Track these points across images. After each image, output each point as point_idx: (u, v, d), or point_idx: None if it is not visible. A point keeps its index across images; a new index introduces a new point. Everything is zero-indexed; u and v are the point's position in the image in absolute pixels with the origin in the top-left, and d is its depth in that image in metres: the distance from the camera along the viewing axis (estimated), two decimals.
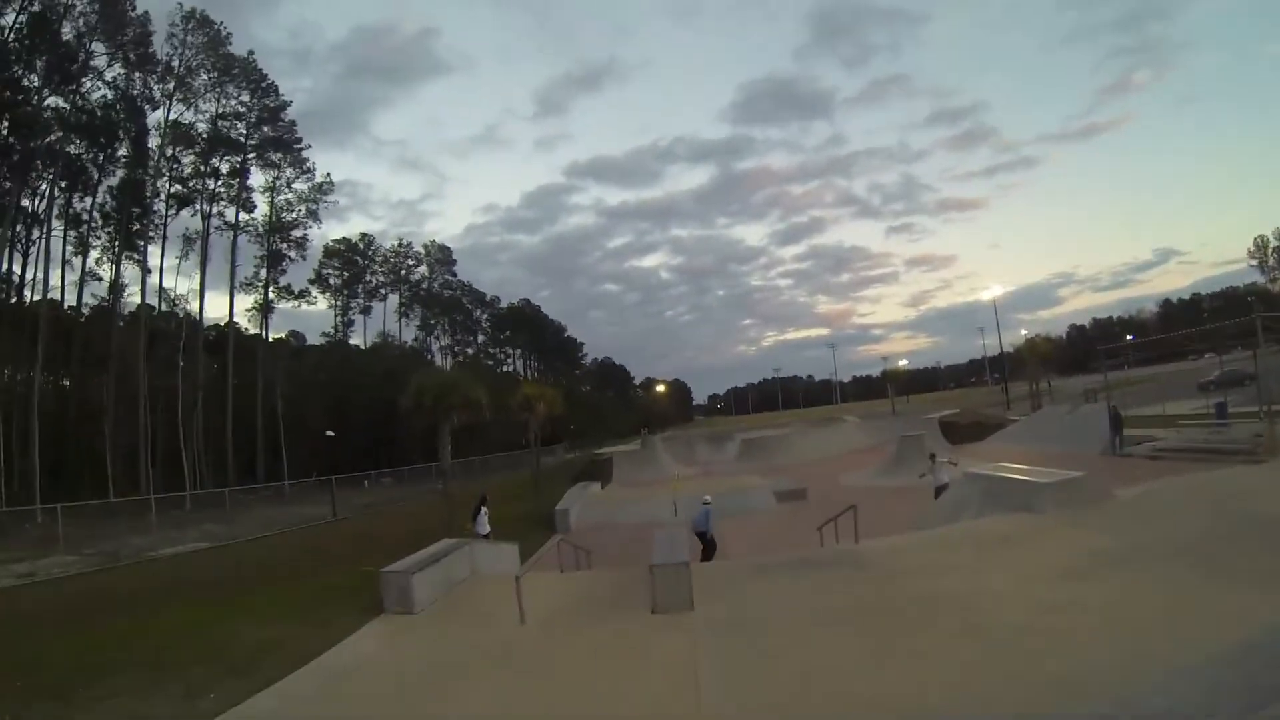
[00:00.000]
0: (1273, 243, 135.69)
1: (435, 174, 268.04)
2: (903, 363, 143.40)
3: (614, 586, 13.26)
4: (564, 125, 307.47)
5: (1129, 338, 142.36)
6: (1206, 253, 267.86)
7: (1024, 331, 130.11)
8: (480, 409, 28.69)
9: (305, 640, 10.77)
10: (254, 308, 71.31)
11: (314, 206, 72.97)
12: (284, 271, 72.76)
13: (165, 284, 65.20)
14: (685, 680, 8.20)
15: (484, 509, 21.90)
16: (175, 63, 61.00)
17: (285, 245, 71.81)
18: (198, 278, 65.64)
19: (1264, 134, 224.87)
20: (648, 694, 8.00)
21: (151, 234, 61.33)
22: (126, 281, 60.53)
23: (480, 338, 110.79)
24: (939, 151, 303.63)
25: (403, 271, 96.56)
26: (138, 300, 61.25)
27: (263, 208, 70.10)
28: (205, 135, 63.88)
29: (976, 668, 7.54)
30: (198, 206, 64.44)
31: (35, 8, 50.71)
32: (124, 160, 58.94)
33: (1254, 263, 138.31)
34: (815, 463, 46.51)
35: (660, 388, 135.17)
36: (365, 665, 9.82)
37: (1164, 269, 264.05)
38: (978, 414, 57.59)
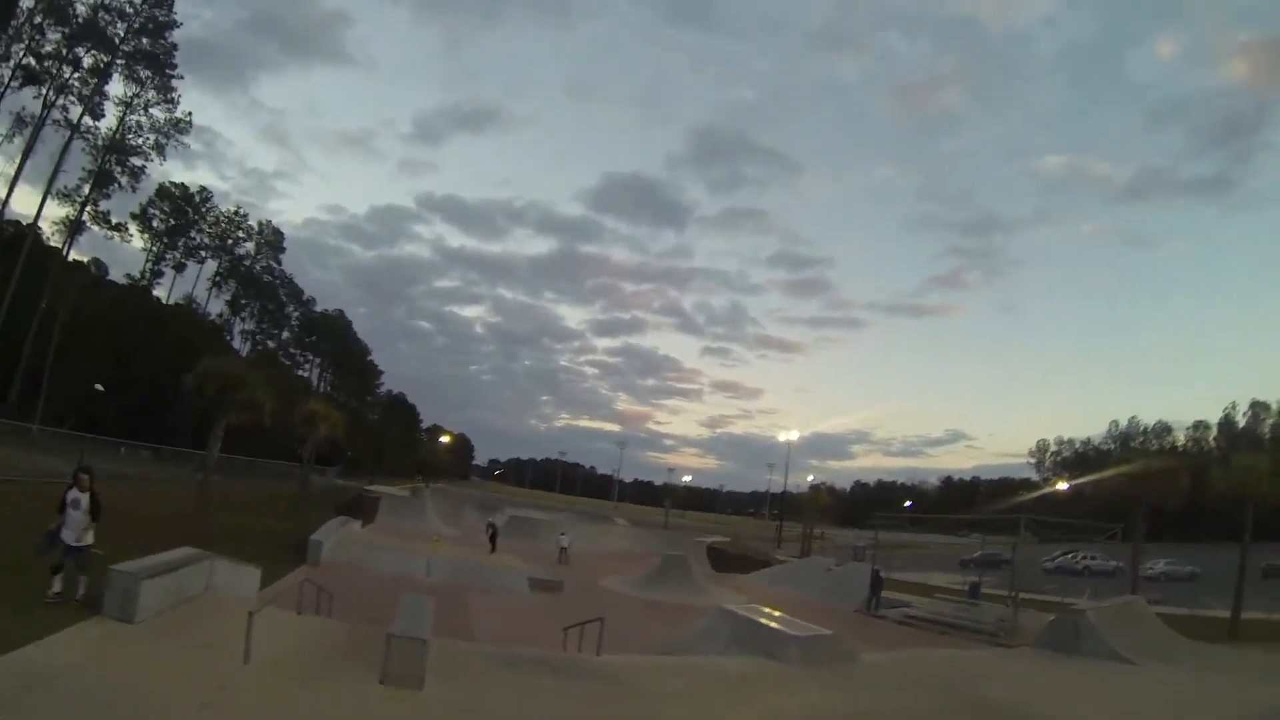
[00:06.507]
0: (1051, 448, 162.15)
1: (296, 156, 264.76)
2: (687, 479, 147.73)
3: (349, 642, 12.87)
4: (433, 154, 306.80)
5: (907, 504, 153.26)
6: (992, 442, 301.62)
7: (811, 477, 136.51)
8: (261, 414, 27.60)
9: (5, 628, 9.64)
10: (64, 222, 64.79)
11: (164, 140, 68.04)
12: (108, 196, 66.90)
13: None
14: None
15: (75, 493, 12.10)
16: None
17: (119, 169, 65.92)
18: (15, 166, 59.90)
19: (1060, 353, 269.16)
20: None
21: None
22: None
23: (285, 334, 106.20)
24: (774, 291, 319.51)
25: (229, 241, 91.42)
26: None
27: (110, 120, 64.56)
28: (80, 19, 58.41)
29: None
30: (44, 90, 58.71)
31: None
32: None
33: (1033, 460, 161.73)
34: (579, 557, 46.58)
35: (445, 438, 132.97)
36: (64, 672, 8.88)
37: (952, 448, 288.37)
38: (746, 547, 59.40)
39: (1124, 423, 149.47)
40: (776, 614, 19.32)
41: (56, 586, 11.60)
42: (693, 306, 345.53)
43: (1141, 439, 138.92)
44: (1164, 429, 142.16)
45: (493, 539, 38.67)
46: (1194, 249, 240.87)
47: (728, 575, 42.19)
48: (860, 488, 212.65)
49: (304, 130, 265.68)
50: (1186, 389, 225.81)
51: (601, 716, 10.99)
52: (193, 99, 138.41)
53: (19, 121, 58.71)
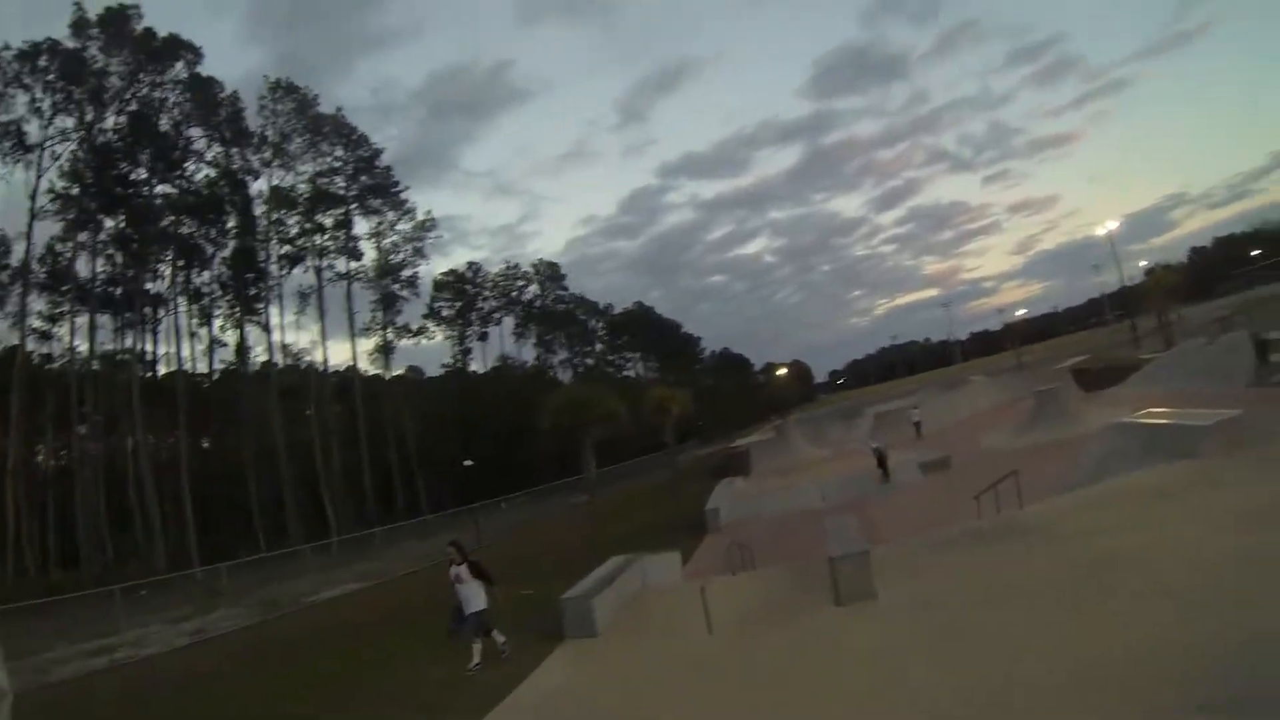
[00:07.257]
0: None
1: (529, 195, 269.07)
2: (1022, 312, 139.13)
3: (788, 582, 13.07)
4: (648, 130, 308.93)
5: (1255, 252, 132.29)
6: None
7: (1142, 263, 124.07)
8: (619, 420, 28.81)
9: (492, 675, 10.85)
10: (376, 350, 73.36)
11: (419, 244, 74.70)
12: (399, 312, 74.12)
13: (287, 340, 68.67)
14: (889, 671, 8.00)
15: (454, 569, 12.25)
16: (269, 131, 63.88)
17: (397, 286, 73.27)
18: (318, 329, 68.93)
19: None
20: (853, 689, 7.84)
21: (268, 296, 64.11)
22: (251, 343, 63.77)
23: (598, 347, 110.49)
24: (1024, 91, 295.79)
25: (513, 293, 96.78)
26: (264, 359, 64.63)
27: (371, 253, 71.95)
28: (307, 195, 66.26)
29: (1174, 627, 7.04)
30: (309, 262, 66.76)
31: (133, 107, 53.92)
32: (233, 231, 61.64)
33: None
34: (950, 428, 45.41)
35: (781, 371, 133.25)
36: (560, 696, 9.79)
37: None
38: (1109, 357, 55.67)
39: None
40: (1171, 411, 17.81)
41: (475, 658, 11.60)
42: (955, 144, 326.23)
43: None
44: None
45: (882, 462, 35.45)
46: None
47: (1099, 393, 39.60)
48: (1197, 254, 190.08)
49: (523, 171, 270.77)
50: None
51: (1042, 566, 10.35)
52: (421, 200, 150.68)
53: (303, 296, 67.06)
